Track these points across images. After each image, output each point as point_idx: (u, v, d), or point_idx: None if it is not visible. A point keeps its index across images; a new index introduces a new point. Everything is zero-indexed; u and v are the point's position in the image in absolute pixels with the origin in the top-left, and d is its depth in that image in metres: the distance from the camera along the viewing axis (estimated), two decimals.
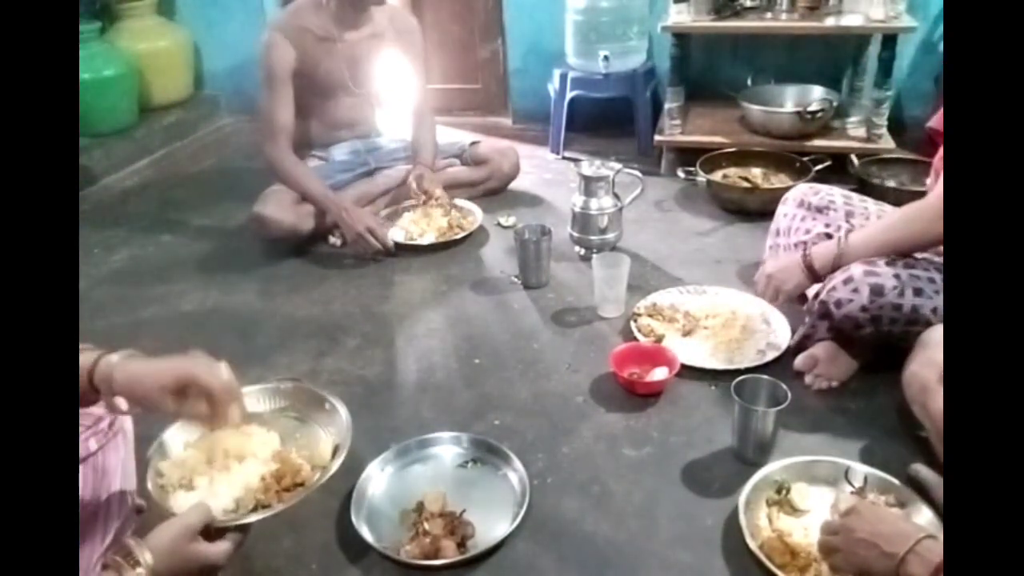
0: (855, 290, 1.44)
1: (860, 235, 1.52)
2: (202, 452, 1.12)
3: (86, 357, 1.01)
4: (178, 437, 1.16)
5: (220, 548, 1.01)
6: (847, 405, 1.54)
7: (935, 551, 0.93)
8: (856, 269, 1.45)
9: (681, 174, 2.49)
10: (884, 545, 0.97)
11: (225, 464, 1.10)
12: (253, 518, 1.05)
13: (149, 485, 1.08)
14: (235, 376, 1.05)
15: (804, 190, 1.85)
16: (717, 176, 2.45)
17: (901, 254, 1.47)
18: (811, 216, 1.78)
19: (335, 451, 1.16)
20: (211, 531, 1.01)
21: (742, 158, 2.54)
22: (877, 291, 1.43)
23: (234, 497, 1.07)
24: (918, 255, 1.53)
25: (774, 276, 1.61)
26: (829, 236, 1.74)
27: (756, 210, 2.29)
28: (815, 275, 1.55)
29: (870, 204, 1.80)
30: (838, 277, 1.48)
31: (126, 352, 1.02)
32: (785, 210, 1.86)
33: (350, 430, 1.18)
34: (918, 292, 1.42)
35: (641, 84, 2.85)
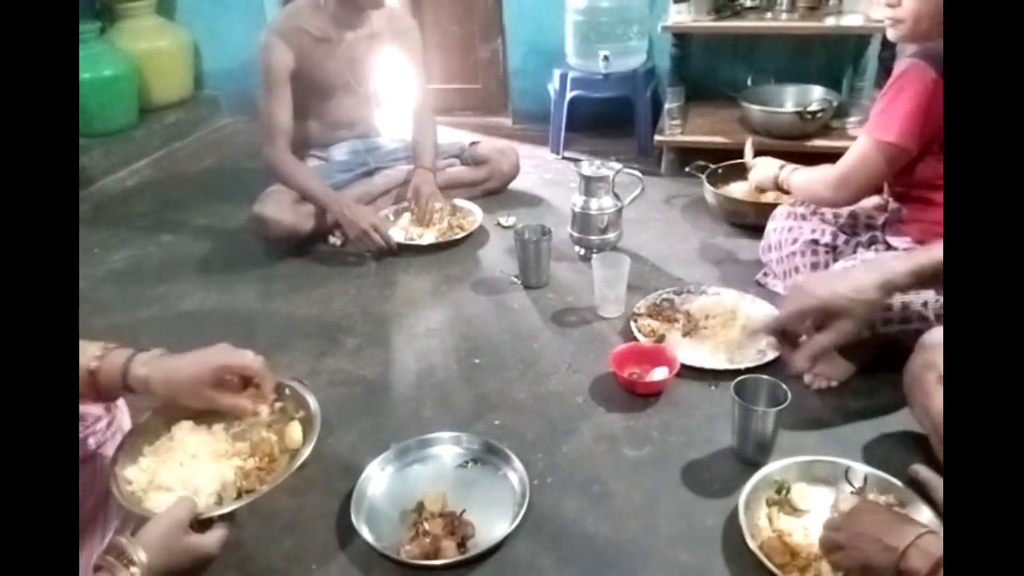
0: None
1: (796, 177, 1.86)
2: (163, 455, 1.11)
3: (117, 355, 1.05)
4: (137, 443, 1.13)
5: (212, 538, 1.01)
6: (847, 405, 1.54)
7: (936, 546, 0.94)
8: None
9: (687, 169, 2.46)
10: (886, 539, 0.98)
11: (192, 462, 1.09)
12: (239, 504, 1.05)
13: (117, 493, 1.05)
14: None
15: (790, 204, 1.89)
16: (725, 190, 2.35)
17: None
18: (798, 226, 1.81)
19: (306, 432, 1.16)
20: (195, 524, 1.01)
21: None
22: None
23: (214, 491, 1.07)
24: (897, 253, 1.54)
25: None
26: (816, 242, 1.77)
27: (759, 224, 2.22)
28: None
29: (857, 208, 1.82)
30: None
31: (156, 351, 1.08)
32: (774, 225, 1.90)
33: (317, 408, 1.18)
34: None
35: (641, 84, 2.85)
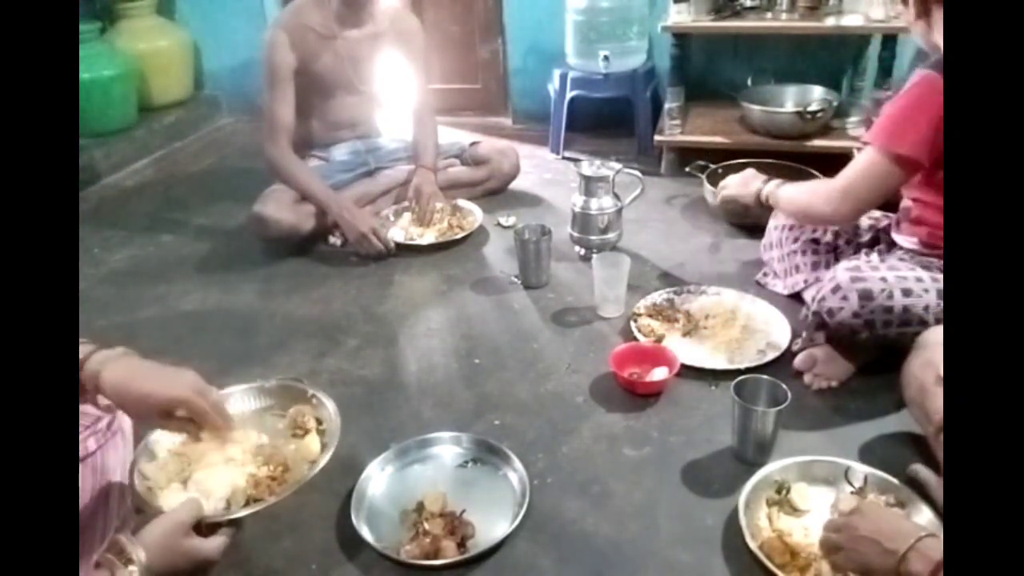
0: (844, 297, 1.45)
1: (784, 191, 1.70)
2: (184, 457, 1.11)
3: (80, 350, 1.01)
4: (163, 441, 1.15)
5: (214, 543, 1.01)
6: (847, 405, 1.54)
7: (936, 549, 0.94)
8: (843, 276, 1.46)
9: (687, 169, 2.46)
10: (885, 542, 0.98)
11: (209, 464, 1.10)
12: (245, 512, 1.05)
13: (136, 486, 1.07)
14: (221, 381, 1.09)
15: None
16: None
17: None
18: (798, 225, 1.80)
19: (324, 444, 1.17)
20: (202, 528, 1.01)
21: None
22: (866, 296, 1.43)
23: (224, 496, 1.07)
24: (901, 255, 1.55)
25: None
26: (816, 241, 1.76)
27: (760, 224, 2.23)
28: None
29: None
30: (826, 286, 1.49)
31: (119, 351, 1.02)
32: (775, 223, 1.89)
33: (339, 421, 1.18)
34: (907, 292, 1.43)
35: (641, 84, 2.85)
